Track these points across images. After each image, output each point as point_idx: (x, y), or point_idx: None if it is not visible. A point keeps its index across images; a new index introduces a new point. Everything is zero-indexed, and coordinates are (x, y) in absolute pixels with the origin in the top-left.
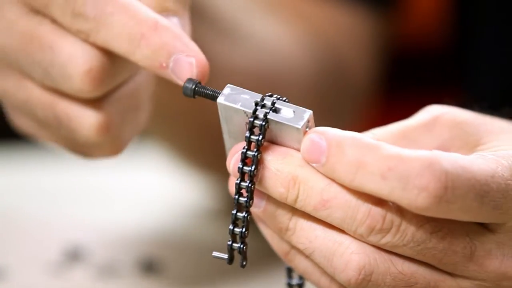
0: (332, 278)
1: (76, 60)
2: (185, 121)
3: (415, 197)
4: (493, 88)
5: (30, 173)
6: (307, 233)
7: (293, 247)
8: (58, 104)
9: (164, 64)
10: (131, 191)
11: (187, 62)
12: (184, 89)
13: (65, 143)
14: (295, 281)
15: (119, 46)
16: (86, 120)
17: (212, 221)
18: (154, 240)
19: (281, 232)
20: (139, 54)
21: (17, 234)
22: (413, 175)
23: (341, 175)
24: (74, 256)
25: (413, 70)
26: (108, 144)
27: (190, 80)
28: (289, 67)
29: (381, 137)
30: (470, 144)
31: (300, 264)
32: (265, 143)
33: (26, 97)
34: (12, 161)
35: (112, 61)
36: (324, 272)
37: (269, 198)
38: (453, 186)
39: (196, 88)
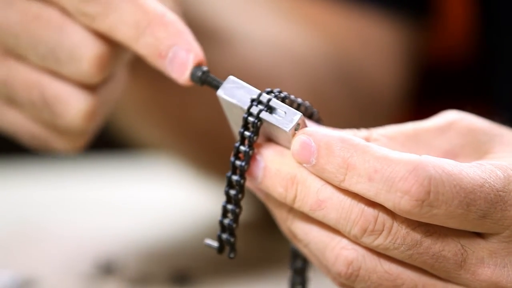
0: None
1: (86, 44)
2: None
3: (398, 199)
4: None
5: (63, 187)
6: (303, 226)
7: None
8: (49, 85)
9: (163, 54)
10: (160, 204)
11: (186, 56)
12: (192, 76)
13: (33, 129)
14: (299, 264)
15: (125, 32)
16: (77, 104)
17: (244, 233)
18: (186, 252)
19: (281, 221)
20: (142, 42)
21: (50, 246)
22: (397, 178)
23: (331, 176)
24: (106, 268)
25: (443, 82)
26: (82, 135)
27: (199, 67)
28: (292, 65)
29: (393, 135)
30: (480, 153)
31: (303, 250)
32: (265, 141)
33: (5, 75)
34: (46, 175)
35: (114, 49)
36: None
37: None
38: (436, 191)
39: (203, 76)
